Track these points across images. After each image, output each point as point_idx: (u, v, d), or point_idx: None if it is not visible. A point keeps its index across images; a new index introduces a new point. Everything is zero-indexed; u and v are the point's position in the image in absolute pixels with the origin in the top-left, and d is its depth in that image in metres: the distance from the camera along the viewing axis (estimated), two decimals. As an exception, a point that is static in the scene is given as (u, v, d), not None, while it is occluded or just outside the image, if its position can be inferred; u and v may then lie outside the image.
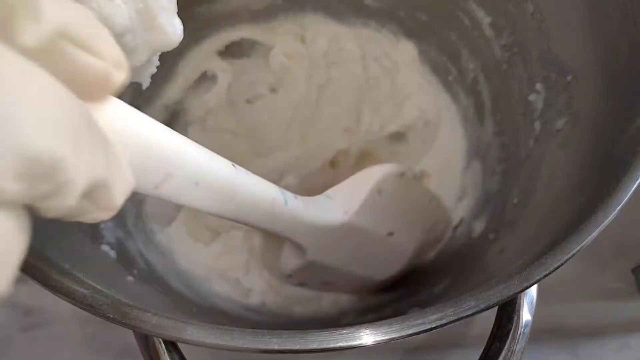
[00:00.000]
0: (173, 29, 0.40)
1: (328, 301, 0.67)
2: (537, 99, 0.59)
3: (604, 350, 0.71)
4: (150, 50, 0.40)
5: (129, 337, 0.66)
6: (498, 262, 0.54)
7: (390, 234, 0.58)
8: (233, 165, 0.38)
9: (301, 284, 0.59)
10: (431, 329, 0.36)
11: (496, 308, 0.43)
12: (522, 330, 0.42)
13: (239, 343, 0.36)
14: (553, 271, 0.38)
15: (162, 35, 0.40)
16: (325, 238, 0.50)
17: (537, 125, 0.59)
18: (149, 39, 0.40)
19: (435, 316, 0.37)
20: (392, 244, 0.59)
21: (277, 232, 0.46)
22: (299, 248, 0.51)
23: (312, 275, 0.57)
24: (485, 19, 0.65)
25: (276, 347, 0.36)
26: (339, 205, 0.51)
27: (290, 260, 0.54)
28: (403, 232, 0.59)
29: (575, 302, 0.70)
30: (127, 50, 0.39)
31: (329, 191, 0.52)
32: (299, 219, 0.46)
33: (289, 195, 0.45)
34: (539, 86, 0.59)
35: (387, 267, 0.61)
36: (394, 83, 0.77)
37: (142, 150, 0.29)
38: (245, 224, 0.42)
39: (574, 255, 0.38)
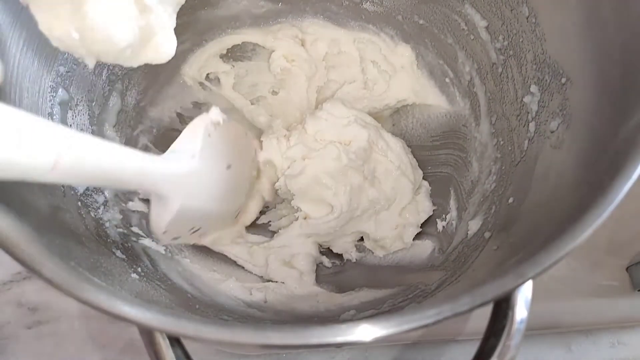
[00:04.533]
0: (165, 48, 0.42)
1: (325, 297, 0.68)
2: (531, 101, 0.60)
3: (598, 346, 0.72)
4: (141, 62, 0.42)
5: (133, 333, 0.67)
6: (493, 259, 0.55)
7: (229, 166, 0.65)
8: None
9: (175, 238, 0.63)
10: (428, 324, 0.37)
11: (492, 304, 0.44)
12: (518, 326, 0.42)
13: (240, 338, 0.37)
14: (547, 269, 0.39)
15: (155, 52, 0.42)
16: (185, 184, 0.57)
17: (531, 126, 0.60)
18: (143, 53, 0.41)
19: (432, 312, 0.37)
20: (234, 176, 0.67)
21: (146, 189, 0.55)
22: (166, 201, 0.56)
23: (182, 224, 0.61)
24: (481, 23, 0.66)
25: (277, 342, 0.36)
26: (186, 153, 0.58)
27: (162, 216, 0.57)
28: (237, 164, 0.67)
29: (570, 299, 0.71)
30: (122, 60, 0.41)
31: (172, 147, 0.59)
32: (162, 173, 0.54)
33: (149, 156, 0.53)
34: (533, 88, 0.60)
35: (235, 198, 0.70)
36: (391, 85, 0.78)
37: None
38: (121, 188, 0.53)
39: (568, 253, 0.39)
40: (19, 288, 0.69)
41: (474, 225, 0.64)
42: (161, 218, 0.58)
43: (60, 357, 0.67)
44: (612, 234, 0.71)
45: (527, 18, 0.60)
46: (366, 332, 0.37)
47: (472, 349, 0.44)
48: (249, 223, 0.75)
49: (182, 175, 0.57)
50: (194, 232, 0.65)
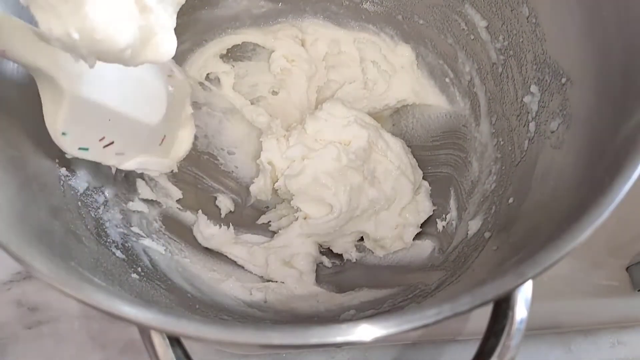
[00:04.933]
0: (165, 49, 0.42)
1: (325, 297, 0.68)
2: (531, 101, 0.60)
3: (598, 346, 0.72)
4: (141, 62, 0.42)
5: (133, 333, 0.67)
6: (493, 259, 0.55)
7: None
8: None
9: (82, 149, 0.54)
10: (428, 324, 0.37)
11: (492, 304, 0.44)
12: (518, 326, 0.42)
13: (241, 338, 0.36)
14: (547, 269, 0.39)
15: (155, 52, 0.42)
16: (82, 70, 0.49)
17: (531, 126, 0.60)
18: (143, 53, 0.41)
19: (432, 311, 0.37)
20: (143, 80, 0.59)
21: (32, 65, 0.47)
22: (57, 87, 0.49)
23: (85, 127, 0.53)
24: (481, 23, 0.66)
25: (277, 341, 0.36)
26: None
27: (54, 109, 0.50)
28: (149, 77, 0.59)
29: (570, 299, 0.71)
30: (122, 60, 0.41)
31: None
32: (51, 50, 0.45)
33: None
34: (533, 88, 0.60)
35: (153, 110, 0.61)
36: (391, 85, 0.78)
37: None
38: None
39: (567, 253, 0.39)
40: (19, 288, 0.69)
41: (474, 225, 0.64)
42: (53, 111, 0.50)
43: (60, 357, 0.67)
44: (612, 234, 0.71)
45: (527, 18, 0.60)
46: (366, 332, 0.36)
47: (472, 349, 0.44)
48: (182, 154, 0.68)
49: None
50: (107, 145, 0.57)
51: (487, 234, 0.61)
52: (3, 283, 0.70)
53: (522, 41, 0.61)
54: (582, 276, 0.71)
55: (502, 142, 0.65)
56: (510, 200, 0.60)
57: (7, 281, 0.70)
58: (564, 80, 0.55)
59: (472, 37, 0.68)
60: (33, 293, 0.69)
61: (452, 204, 0.72)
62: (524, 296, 0.43)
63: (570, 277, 0.71)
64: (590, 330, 0.72)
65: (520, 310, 0.43)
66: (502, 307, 0.43)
